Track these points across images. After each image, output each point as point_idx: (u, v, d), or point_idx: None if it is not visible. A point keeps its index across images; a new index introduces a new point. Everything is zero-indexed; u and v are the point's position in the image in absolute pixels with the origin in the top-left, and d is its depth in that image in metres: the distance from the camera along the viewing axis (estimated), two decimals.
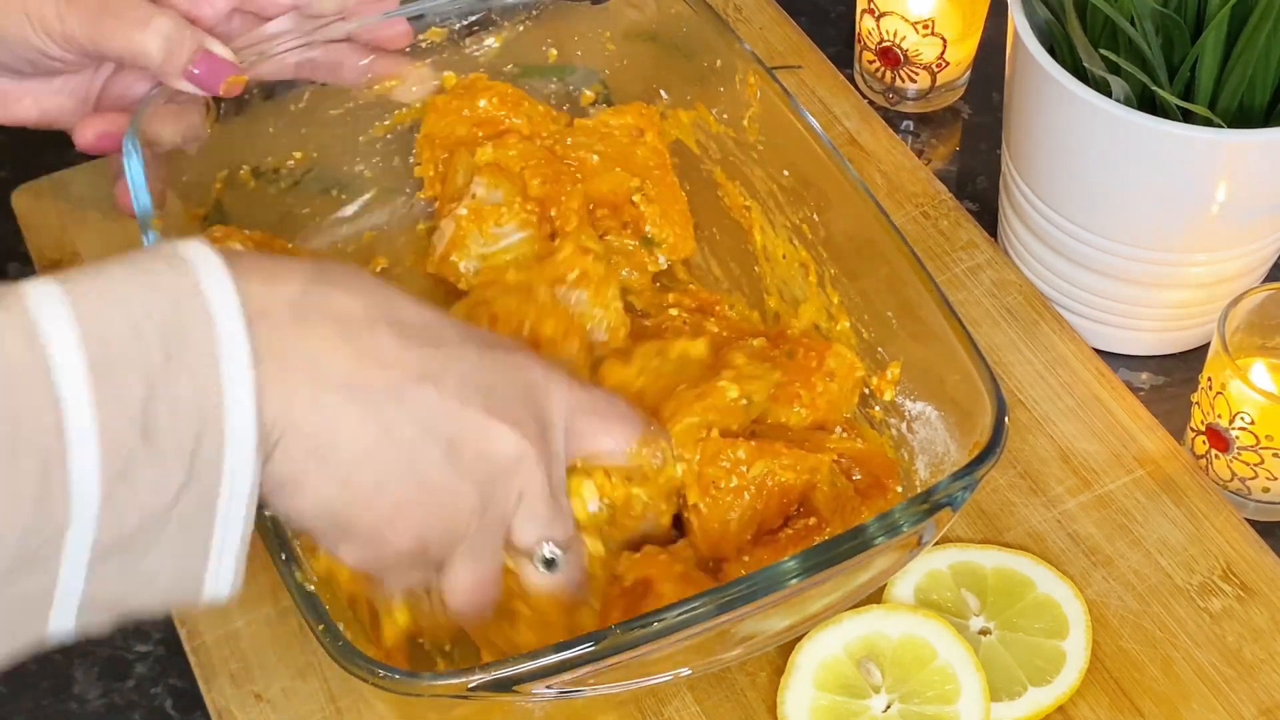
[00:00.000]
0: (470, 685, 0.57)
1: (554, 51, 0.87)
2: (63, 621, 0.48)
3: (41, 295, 0.46)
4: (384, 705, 0.69)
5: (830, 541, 0.61)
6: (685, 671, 0.64)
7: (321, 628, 0.58)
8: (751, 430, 0.72)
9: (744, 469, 0.68)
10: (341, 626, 0.59)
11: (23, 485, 0.44)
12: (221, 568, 0.50)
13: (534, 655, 0.57)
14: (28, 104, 0.75)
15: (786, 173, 0.78)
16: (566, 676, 0.58)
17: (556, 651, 0.57)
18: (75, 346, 0.45)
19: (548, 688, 0.58)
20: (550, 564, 0.59)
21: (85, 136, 0.75)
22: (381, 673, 0.57)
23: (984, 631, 0.71)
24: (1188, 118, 0.74)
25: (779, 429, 0.73)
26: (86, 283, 0.47)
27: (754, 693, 0.70)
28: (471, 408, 0.54)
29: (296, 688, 0.70)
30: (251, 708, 0.70)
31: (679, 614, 0.58)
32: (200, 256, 0.49)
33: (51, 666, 0.74)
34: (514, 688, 0.57)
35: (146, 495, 0.47)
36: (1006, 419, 0.64)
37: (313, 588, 0.60)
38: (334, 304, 0.52)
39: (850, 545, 0.61)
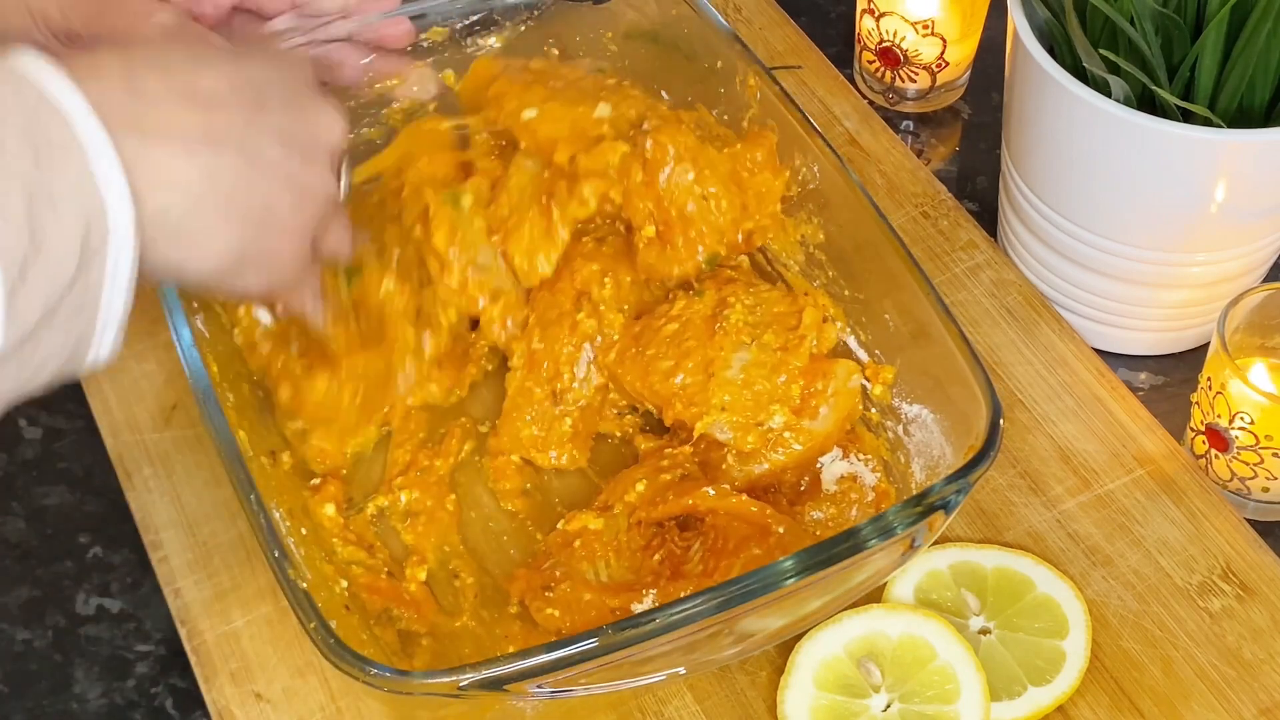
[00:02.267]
0: (461, 684, 0.57)
1: (555, 52, 0.86)
2: None
3: None
4: (377, 703, 0.70)
5: (825, 543, 0.61)
6: (680, 671, 0.64)
7: (314, 625, 0.58)
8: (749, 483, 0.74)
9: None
10: (334, 624, 0.59)
11: None
12: (105, 339, 0.53)
13: (526, 654, 0.57)
14: None
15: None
16: (559, 676, 0.58)
17: (549, 651, 0.57)
18: None
19: (539, 687, 0.58)
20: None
21: None
22: (373, 670, 0.57)
23: (984, 631, 0.71)
24: (1187, 118, 0.74)
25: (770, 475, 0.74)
26: None
27: (754, 692, 0.71)
28: (292, 108, 0.60)
29: (297, 687, 0.70)
30: (251, 707, 0.70)
31: (671, 614, 0.58)
32: (33, 66, 0.51)
33: (51, 666, 0.74)
34: (505, 687, 0.57)
35: (41, 294, 0.49)
36: (1002, 422, 0.64)
37: (305, 585, 0.60)
38: (158, 79, 0.55)
39: (844, 547, 0.61)
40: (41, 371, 0.52)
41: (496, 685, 0.57)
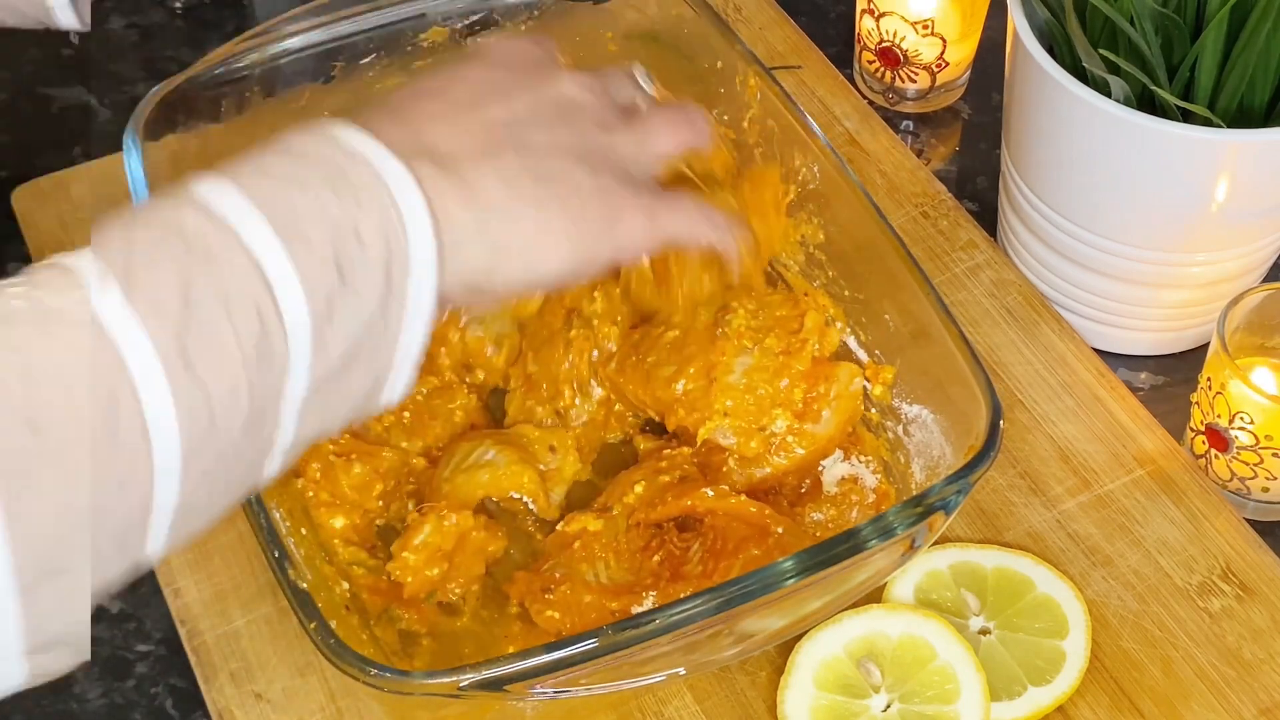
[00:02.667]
0: (461, 684, 0.57)
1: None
2: (274, 468, 0.52)
3: (205, 185, 0.50)
4: (376, 703, 0.69)
5: (825, 544, 0.61)
6: (680, 671, 0.64)
7: (314, 625, 0.58)
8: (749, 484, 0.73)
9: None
10: (334, 624, 0.59)
11: (244, 338, 0.47)
12: (400, 377, 0.54)
13: (526, 655, 0.57)
14: None
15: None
16: (559, 676, 0.58)
17: (548, 651, 0.57)
18: (252, 210, 0.49)
19: (539, 688, 0.58)
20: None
21: None
22: (373, 671, 0.57)
23: (984, 631, 0.71)
24: (1187, 118, 0.74)
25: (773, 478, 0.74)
26: (240, 167, 0.51)
27: (754, 692, 0.71)
28: (529, 86, 0.60)
29: (297, 687, 0.70)
30: (251, 707, 0.70)
31: (671, 615, 0.58)
32: (335, 126, 0.53)
33: None
34: (505, 687, 0.57)
35: (347, 329, 0.50)
36: (1002, 422, 0.64)
37: (305, 585, 0.60)
38: (421, 115, 0.56)
39: (844, 548, 0.60)
40: (340, 411, 0.53)
41: (496, 686, 0.57)
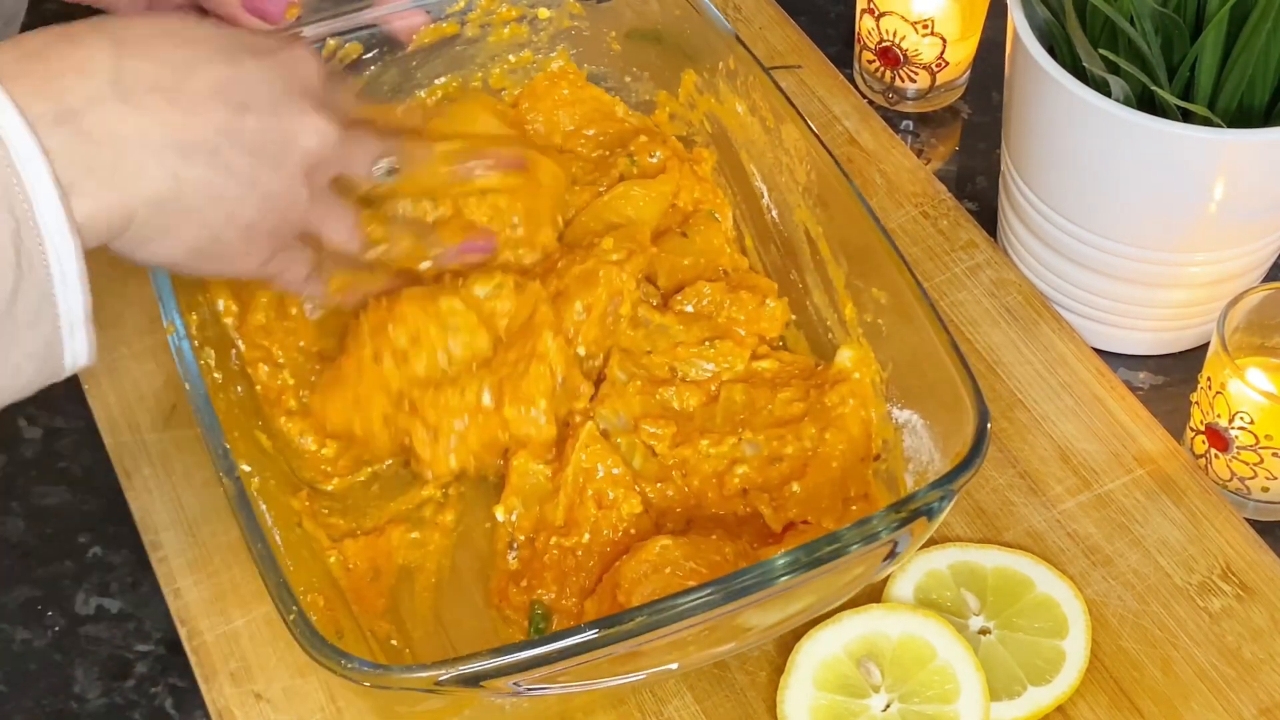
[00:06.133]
0: (438, 680, 0.56)
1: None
2: None
3: None
4: (357, 697, 0.69)
5: (808, 545, 0.60)
6: (644, 675, 0.63)
7: (293, 616, 0.58)
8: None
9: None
10: (314, 618, 0.58)
11: None
12: (75, 337, 0.56)
13: (501, 651, 0.56)
14: None
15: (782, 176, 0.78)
16: (536, 674, 0.57)
17: (525, 649, 0.56)
18: None
19: (517, 684, 0.58)
20: (391, 171, 0.68)
21: None
22: (349, 664, 0.56)
23: (984, 631, 0.71)
24: (1187, 118, 0.74)
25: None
26: None
27: (754, 692, 0.71)
28: (272, 115, 0.61)
29: (296, 687, 0.70)
30: (251, 707, 0.70)
31: (647, 615, 0.57)
32: None
33: (51, 666, 0.74)
34: (481, 683, 0.57)
35: None
36: (989, 428, 0.63)
37: (286, 578, 0.60)
38: (151, 72, 0.57)
39: (827, 550, 0.60)
40: (19, 373, 0.55)
41: (473, 681, 0.56)
